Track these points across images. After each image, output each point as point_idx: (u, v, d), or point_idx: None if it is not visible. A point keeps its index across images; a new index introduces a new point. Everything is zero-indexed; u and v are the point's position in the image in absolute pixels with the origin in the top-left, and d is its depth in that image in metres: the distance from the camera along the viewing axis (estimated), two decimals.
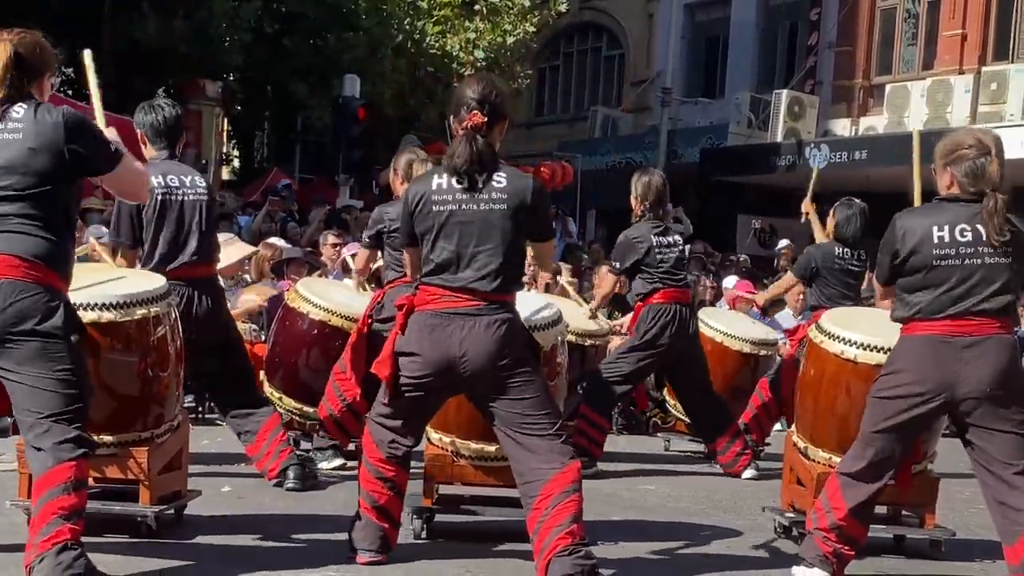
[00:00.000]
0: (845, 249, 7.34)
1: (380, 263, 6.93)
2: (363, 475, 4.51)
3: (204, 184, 5.81)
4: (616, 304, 10.36)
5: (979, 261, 4.30)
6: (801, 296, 10.35)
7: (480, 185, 4.25)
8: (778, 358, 8.37)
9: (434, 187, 4.30)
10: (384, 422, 4.47)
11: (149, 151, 5.81)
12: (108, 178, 4.06)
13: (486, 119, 4.27)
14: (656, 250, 7.14)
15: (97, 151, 3.95)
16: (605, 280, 7.84)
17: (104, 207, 12.36)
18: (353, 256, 8.52)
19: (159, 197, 5.64)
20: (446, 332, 4.21)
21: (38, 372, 3.79)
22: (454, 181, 4.28)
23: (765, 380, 7.89)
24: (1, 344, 3.79)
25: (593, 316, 7.78)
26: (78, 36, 14.77)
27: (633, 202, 7.29)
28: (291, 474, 5.87)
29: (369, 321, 6.35)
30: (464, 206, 4.25)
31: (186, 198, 5.71)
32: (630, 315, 7.65)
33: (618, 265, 7.33)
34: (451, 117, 4.42)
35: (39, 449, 3.80)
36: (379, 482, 4.46)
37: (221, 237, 9.36)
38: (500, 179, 4.28)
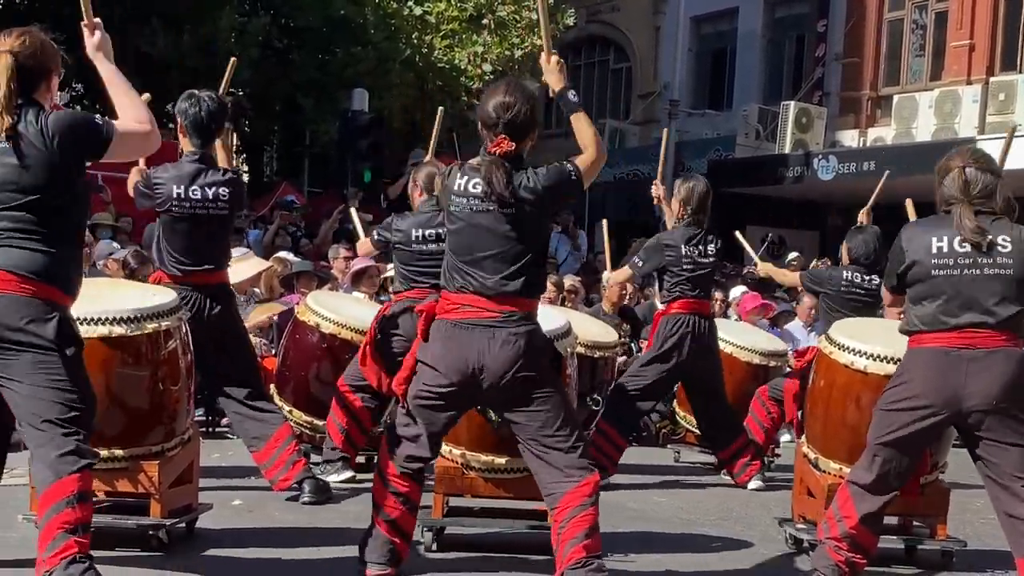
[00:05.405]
0: (857, 274, 7.17)
1: (390, 272, 6.91)
2: (377, 488, 4.48)
3: (227, 194, 5.78)
4: (624, 316, 10.36)
5: (978, 272, 4.30)
6: (812, 309, 10.33)
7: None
8: (787, 369, 8.35)
9: (455, 188, 4.29)
10: (402, 431, 4.43)
11: (185, 145, 5.84)
12: (112, 149, 3.88)
13: (514, 145, 4.27)
14: (685, 259, 7.12)
15: (86, 134, 3.86)
16: (621, 271, 7.83)
17: (118, 222, 12.40)
18: (362, 270, 8.56)
19: (177, 212, 5.69)
20: (465, 342, 4.19)
21: (34, 383, 3.77)
22: (475, 186, 4.25)
23: (764, 389, 7.83)
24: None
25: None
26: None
27: (675, 206, 7.26)
28: (307, 487, 5.86)
29: (376, 334, 6.37)
30: (486, 210, 4.21)
31: (208, 211, 5.74)
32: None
33: (640, 263, 7.33)
34: (480, 125, 4.38)
35: (41, 463, 3.80)
36: (392, 496, 4.42)
37: (236, 252, 9.44)
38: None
